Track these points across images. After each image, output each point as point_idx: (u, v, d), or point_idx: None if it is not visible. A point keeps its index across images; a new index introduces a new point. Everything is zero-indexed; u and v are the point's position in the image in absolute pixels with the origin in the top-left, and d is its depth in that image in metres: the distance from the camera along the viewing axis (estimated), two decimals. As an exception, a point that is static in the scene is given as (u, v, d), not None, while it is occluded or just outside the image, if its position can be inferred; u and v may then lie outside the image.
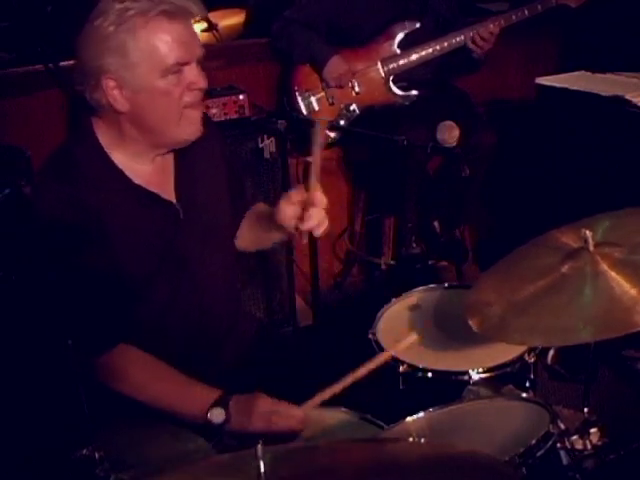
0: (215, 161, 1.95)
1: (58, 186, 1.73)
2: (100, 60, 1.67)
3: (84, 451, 1.47)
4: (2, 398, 1.81)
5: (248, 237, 2.08)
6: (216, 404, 1.73)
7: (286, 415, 1.72)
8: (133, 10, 1.65)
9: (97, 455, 1.46)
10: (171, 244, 1.83)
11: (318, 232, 1.77)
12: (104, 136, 1.78)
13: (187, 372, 1.83)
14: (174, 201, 1.85)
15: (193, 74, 1.73)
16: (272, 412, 1.72)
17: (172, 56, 1.69)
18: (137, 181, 1.79)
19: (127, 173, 1.79)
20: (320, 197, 1.74)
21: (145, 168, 1.82)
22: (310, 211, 1.74)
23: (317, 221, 1.75)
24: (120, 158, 1.79)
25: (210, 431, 1.72)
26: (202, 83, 1.75)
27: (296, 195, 1.77)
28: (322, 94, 3.37)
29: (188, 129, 1.78)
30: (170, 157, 1.86)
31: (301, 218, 1.76)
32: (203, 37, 3.84)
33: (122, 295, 1.77)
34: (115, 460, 1.50)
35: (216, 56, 3.45)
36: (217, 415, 1.72)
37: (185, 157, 1.87)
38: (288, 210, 1.79)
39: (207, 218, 1.90)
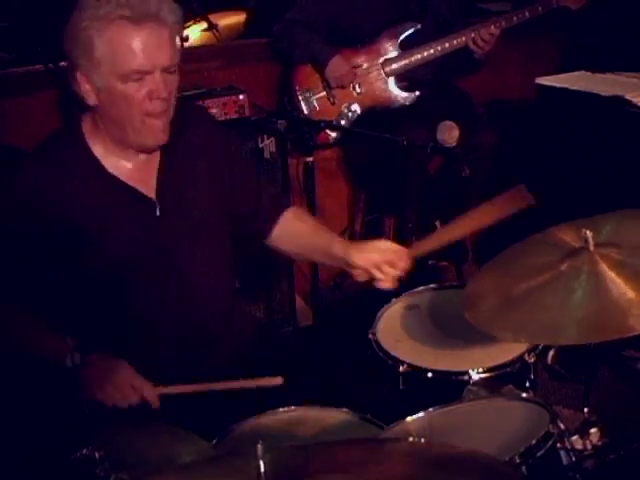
0: (212, 161, 1.93)
1: (35, 165, 1.80)
2: (73, 53, 1.70)
3: (84, 451, 1.47)
4: (2, 398, 1.81)
5: (296, 248, 2.08)
6: (77, 349, 1.74)
7: (143, 389, 1.74)
8: (103, 10, 1.66)
9: (97, 455, 1.46)
10: (149, 238, 1.83)
11: (379, 284, 1.88)
12: (88, 130, 1.81)
13: (181, 370, 1.83)
14: (153, 197, 1.84)
15: (154, 83, 1.71)
16: (133, 383, 1.74)
17: (133, 63, 1.68)
18: (114, 172, 1.81)
19: (104, 163, 1.80)
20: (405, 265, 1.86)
21: (127, 163, 1.83)
22: (389, 269, 1.85)
23: (388, 281, 1.86)
24: (100, 150, 1.81)
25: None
26: (163, 93, 1.72)
27: (389, 250, 1.88)
28: (323, 94, 3.37)
29: (149, 137, 1.78)
30: (156, 154, 1.86)
31: (378, 267, 1.85)
32: (203, 37, 3.85)
33: (93, 282, 1.80)
34: (115, 460, 1.50)
35: (216, 56, 3.45)
36: (74, 359, 1.73)
37: (172, 155, 1.87)
38: (375, 257, 1.86)
39: (195, 216, 1.89)
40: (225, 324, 1.99)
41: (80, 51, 1.69)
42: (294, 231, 2.06)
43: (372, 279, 1.88)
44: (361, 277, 1.90)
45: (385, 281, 1.87)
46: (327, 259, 1.98)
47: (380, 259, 1.86)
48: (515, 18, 3.32)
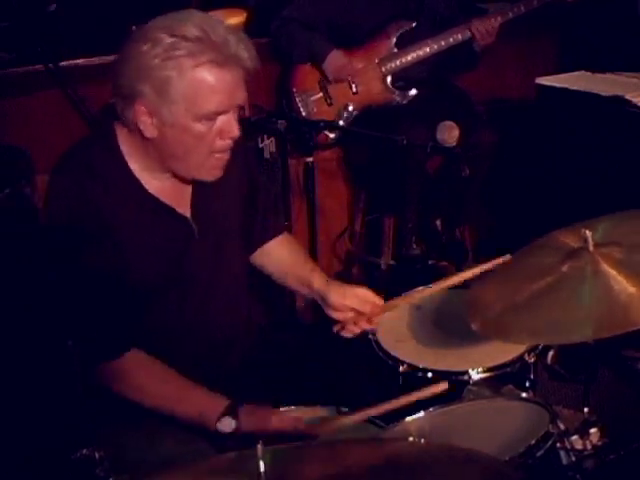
0: (235, 180, 1.91)
1: (71, 184, 1.73)
2: (138, 85, 1.63)
3: (84, 451, 1.47)
4: (2, 398, 1.81)
5: (277, 272, 2.09)
6: (226, 413, 1.71)
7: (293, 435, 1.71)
8: (184, 50, 1.60)
9: (97, 455, 1.46)
10: (181, 258, 1.82)
11: (344, 331, 1.91)
12: (125, 144, 1.75)
13: (191, 376, 1.81)
14: (189, 217, 1.83)
15: (228, 123, 1.70)
16: (281, 432, 1.70)
17: (212, 104, 1.65)
18: (152, 191, 1.77)
19: (143, 183, 1.76)
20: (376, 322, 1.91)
21: (163, 182, 1.79)
22: (364, 324, 1.89)
23: (356, 333, 1.91)
24: (137, 168, 1.76)
25: (217, 437, 1.71)
26: (235, 132, 1.71)
27: (368, 301, 1.89)
28: (320, 95, 3.37)
29: (210, 172, 1.76)
30: None
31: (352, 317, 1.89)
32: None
33: (129, 301, 1.75)
34: (115, 460, 1.50)
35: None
36: (227, 425, 1.69)
37: None
38: (353, 302, 1.89)
39: (220, 237, 1.89)
40: (236, 334, 1.99)
41: (148, 87, 1.63)
42: (280, 255, 2.08)
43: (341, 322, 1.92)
44: (333, 316, 1.93)
45: (351, 331, 1.91)
46: (306, 290, 2.01)
47: (356, 306, 1.89)
48: (511, 13, 3.34)
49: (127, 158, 1.75)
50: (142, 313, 1.78)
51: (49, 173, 1.79)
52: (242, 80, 1.68)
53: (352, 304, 1.90)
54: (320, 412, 1.81)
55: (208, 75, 1.62)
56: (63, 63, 3.05)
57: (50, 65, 2.87)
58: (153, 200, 1.77)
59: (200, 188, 1.84)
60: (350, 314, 1.91)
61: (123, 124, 1.73)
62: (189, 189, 1.84)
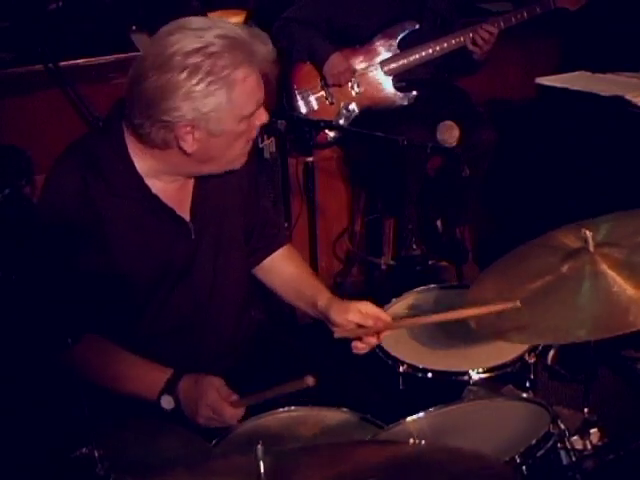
0: (236, 181, 1.92)
1: (73, 176, 1.74)
2: (181, 111, 1.64)
3: (83, 450, 1.47)
4: (2, 397, 1.81)
5: (281, 288, 2.08)
6: (165, 391, 1.74)
7: (224, 416, 1.72)
8: (220, 66, 1.62)
9: (97, 454, 1.46)
10: (176, 261, 1.83)
11: (355, 348, 1.87)
12: (130, 141, 1.75)
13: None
14: (188, 219, 1.83)
15: (262, 113, 1.75)
16: (215, 408, 1.71)
17: (254, 104, 1.70)
18: (156, 192, 1.78)
19: (147, 182, 1.77)
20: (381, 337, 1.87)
21: (165, 184, 1.80)
22: (371, 340, 1.85)
23: (366, 349, 1.87)
24: (143, 168, 1.76)
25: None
26: (266, 117, 1.77)
27: (370, 315, 1.86)
28: (321, 93, 3.37)
29: (243, 159, 1.80)
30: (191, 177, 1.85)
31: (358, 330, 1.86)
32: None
33: (102, 292, 1.76)
34: (116, 460, 1.50)
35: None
36: (167, 402, 1.73)
37: (206, 179, 1.85)
38: (355, 317, 1.86)
39: (223, 237, 1.90)
40: (237, 331, 1.99)
41: (195, 109, 1.63)
42: (283, 271, 2.07)
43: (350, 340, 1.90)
44: (339, 334, 1.90)
45: (361, 348, 1.88)
46: (310, 309, 1.99)
47: (359, 321, 1.86)
48: (513, 19, 3.32)
49: (133, 157, 1.76)
50: (132, 309, 1.79)
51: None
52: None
53: (355, 319, 1.87)
54: (320, 412, 1.80)
55: (246, 79, 1.66)
56: (63, 63, 3.05)
57: (50, 65, 2.88)
58: (154, 200, 1.78)
59: (201, 191, 1.85)
60: (354, 327, 1.89)
61: (139, 137, 1.72)
62: (190, 192, 1.85)
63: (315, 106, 3.36)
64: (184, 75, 1.61)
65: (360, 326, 1.87)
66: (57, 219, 1.73)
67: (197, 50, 1.62)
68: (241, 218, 1.97)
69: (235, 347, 1.99)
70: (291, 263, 2.08)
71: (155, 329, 1.85)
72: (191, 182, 1.85)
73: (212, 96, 1.63)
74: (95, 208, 1.72)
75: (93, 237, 1.73)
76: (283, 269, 2.08)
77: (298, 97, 3.36)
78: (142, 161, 1.76)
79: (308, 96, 3.36)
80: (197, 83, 1.62)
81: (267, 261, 2.08)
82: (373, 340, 1.87)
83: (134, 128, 1.71)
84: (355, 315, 1.87)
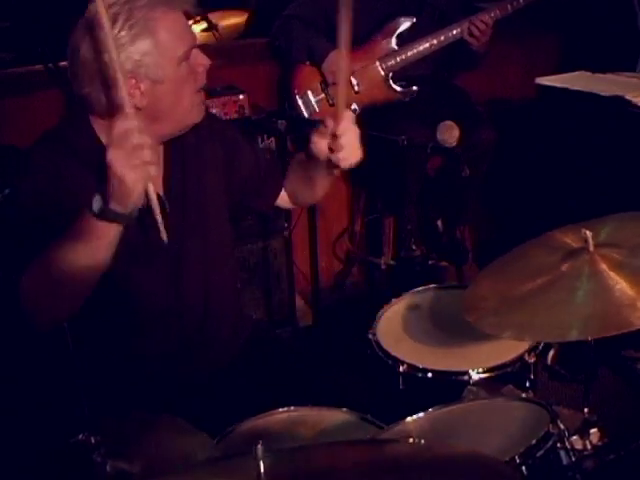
0: (209, 154, 1.94)
1: (43, 162, 1.77)
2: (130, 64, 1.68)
3: (80, 436, 1.46)
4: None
5: (297, 187, 2.12)
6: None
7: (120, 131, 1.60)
8: (143, 11, 1.67)
9: (94, 440, 1.45)
10: (150, 233, 1.78)
11: (346, 163, 1.86)
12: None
13: (174, 371, 1.84)
14: (161, 193, 1.83)
15: (199, 55, 1.79)
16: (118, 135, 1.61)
17: (186, 42, 1.75)
18: None
19: None
20: (346, 125, 1.84)
21: None
22: (340, 140, 1.82)
23: (346, 151, 1.85)
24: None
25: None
26: (207, 60, 1.81)
27: (325, 126, 1.83)
28: (322, 95, 3.36)
29: (197, 112, 1.82)
30: (159, 149, 1.84)
31: (332, 149, 1.83)
32: (203, 37, 3.84)
33: None
34: (112, 447, 1.49)
35: (216, 56, 3.44)
36: (96, 202, 1.61)
37: (175, 150, 1.87)
38: (320, 142, 1.85)
39: (201, 212, 1.90)
40: (225, 322, 1.99)
41: (130, 60, 1.68)
42: (289, 179, 2.13)
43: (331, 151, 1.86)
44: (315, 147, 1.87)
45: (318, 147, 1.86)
46: (313, 163, 1.95)
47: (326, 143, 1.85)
48: (509, 7, 3.30)
49: (99, 134, 1.78)
50: (122, 294, 1.80)
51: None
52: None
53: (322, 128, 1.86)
54: (320, 412, 1.80)
55: (167, 19, 1.71)
56: (63, 63, 3.05)
57: (50, 65, 2.87)
58: None
59: (171, 166, 1.87)
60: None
61: (97, 113, 1.75)
62: (160, 167, 1.85)
63: (317, 108, 3.35)
64: (108, 26, 1.64)
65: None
66: (32, 202, 1.74)
67: (115, 2, 1.67)
68: (224, 196, 1.97)
69: (225, 340, 1.98)
70: (292, 168, 2.13)
71: (143, 314, 1.84)
72: (160, 157, 1.84)
73: (138, 40, 1.68)
74: (67, 184, 1.74)
75: (71, 214, 1.69)
76: (292, 178, 2.13)
77: (299, 100, 3.35)
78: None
79: (309, 99, 3.35)
80: (119, 30, 1.66)
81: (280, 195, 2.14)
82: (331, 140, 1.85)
83: (88, 102, 1.74)
84: (316, 132, 1.88)
